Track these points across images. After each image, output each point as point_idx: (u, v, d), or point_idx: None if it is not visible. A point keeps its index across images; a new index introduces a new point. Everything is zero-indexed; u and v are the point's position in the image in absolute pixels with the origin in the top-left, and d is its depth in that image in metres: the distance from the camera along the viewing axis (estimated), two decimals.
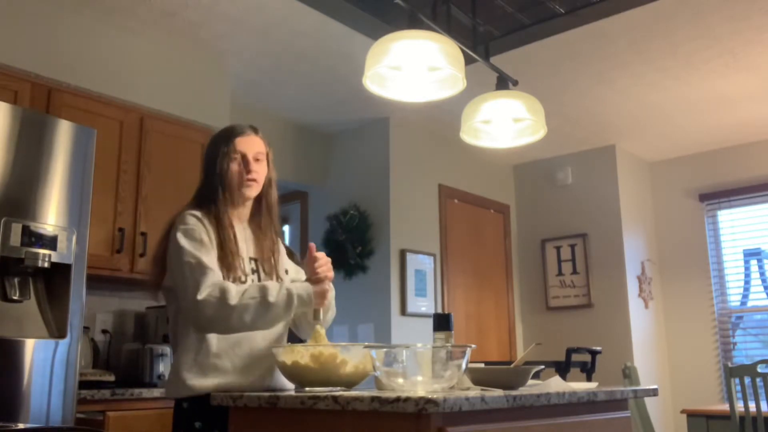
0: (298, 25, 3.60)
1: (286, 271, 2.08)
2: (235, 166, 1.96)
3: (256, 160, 1.98)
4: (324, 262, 1.93)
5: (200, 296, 1.74)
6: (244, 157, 1.97)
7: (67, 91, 3.25)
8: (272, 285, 1.80)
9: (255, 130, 2.04)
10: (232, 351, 1.84)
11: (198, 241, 1.84)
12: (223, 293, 1.74)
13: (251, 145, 1.99)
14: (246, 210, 2.04)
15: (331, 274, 1.94)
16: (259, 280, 1.95)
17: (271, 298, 1.76)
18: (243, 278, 1.89)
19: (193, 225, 1.87)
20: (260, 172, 2.00)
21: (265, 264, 1.99)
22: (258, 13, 3.48)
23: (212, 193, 1.95)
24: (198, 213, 1.91)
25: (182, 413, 1.83)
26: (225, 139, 1.99)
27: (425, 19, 2.45)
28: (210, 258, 1.83)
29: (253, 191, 2.00)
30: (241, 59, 3.98)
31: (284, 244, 2.67)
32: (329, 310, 2.03)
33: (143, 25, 3.57)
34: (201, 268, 1.78)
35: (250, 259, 1.98)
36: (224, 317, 1.75)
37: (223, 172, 1.95)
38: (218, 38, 3.73)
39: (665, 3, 3.44)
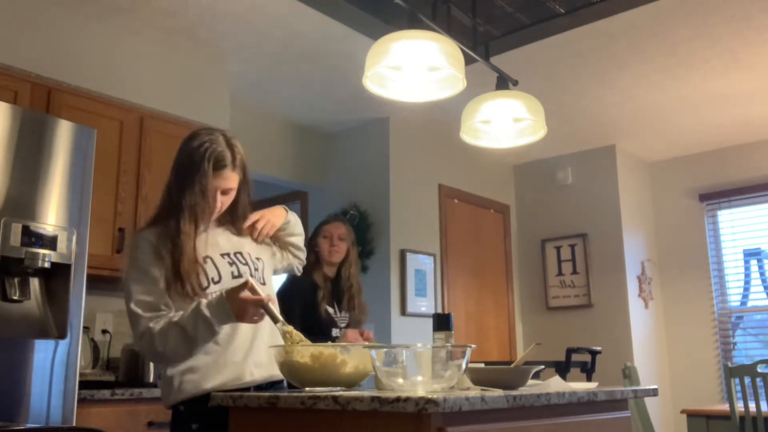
0: (298, 25, 3.60)
1: None
2: (207, 200, 1.87)
3: (224, 193, 1.91)
4: (260, 223, 2.01)
5: (137, 347, 1.85)
6: (215, 191, 1.89)
7: (67, 91, 3.25)
8: (188, 319, 1.74)
9: (233, 159, 1.90)
10: (228, 352, 1.83)
11: (143, 271, 1.81)
12: (151, 341, 1.76)
13: (226, 181, 1.90)
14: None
15: (266, 231, 2.02)
16: (238, 271, 1.91)
17: (191, 332, 1.73)
18: (204, 283, 1.84)
19: (141, 254, 1.83)
20: (225, 201, 1.93)
21: (244, 256, 1.96)
22: (258, 12, 3.48)
23: (176, 213, 1.86)
24: (150, 235, 1.86)
25: (179, 416, 1.82)
26: (203, 172, 1.85)
27: (425, 19, 2.45)
28: (154, 285, 1.80)
29: (216, 216, 1.95)
30: (241, 59, 3.98)
31: (356, 282, 3.23)
32: (291, 236, 2.12)
33: (143, 25, 3.57)
34: (135, 317, 1.78)
35: (226, 254, 1.93)
36: (163, 360, 1.82)
37: (191, 205, 1.85)
38: (218, 38, 3.73)
39: (665, 3, 3.44)
